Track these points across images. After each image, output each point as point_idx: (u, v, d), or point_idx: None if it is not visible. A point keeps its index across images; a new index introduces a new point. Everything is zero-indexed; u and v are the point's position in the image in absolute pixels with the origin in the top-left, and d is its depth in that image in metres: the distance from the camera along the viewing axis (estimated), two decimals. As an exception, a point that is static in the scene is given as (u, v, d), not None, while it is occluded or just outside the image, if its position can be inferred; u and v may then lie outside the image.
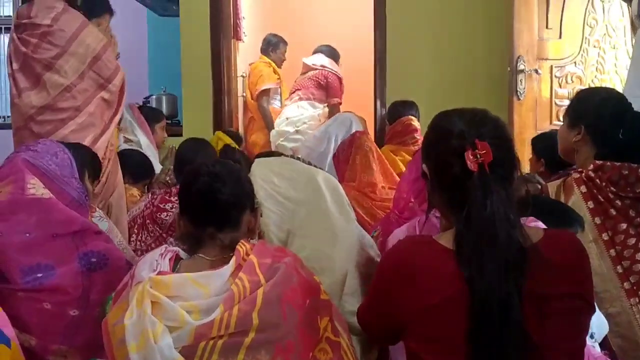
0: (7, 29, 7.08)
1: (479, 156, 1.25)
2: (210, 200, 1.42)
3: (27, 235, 1.71)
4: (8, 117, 7.03)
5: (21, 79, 2.77)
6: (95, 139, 2.79)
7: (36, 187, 1.76)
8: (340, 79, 5.27)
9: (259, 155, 3.37)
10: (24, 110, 2.76)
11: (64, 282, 1.70)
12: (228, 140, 3.94)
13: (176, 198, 2.61)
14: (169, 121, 4.80)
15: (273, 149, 4.95)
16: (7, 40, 7.39)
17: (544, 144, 2.78)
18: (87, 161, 2.08)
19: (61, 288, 1.70)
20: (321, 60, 5.29)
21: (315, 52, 5.44)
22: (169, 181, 3.30)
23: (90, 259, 1.74)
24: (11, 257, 1.68)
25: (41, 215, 1.73)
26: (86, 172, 2.02)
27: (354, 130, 3.48)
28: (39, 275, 1.68)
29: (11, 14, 6.96)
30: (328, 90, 5.18)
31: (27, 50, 2.76)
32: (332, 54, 5.43)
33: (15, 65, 2.79)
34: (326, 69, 5.22)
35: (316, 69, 5.22)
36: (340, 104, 5.26)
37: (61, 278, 1.70)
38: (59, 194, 1.80)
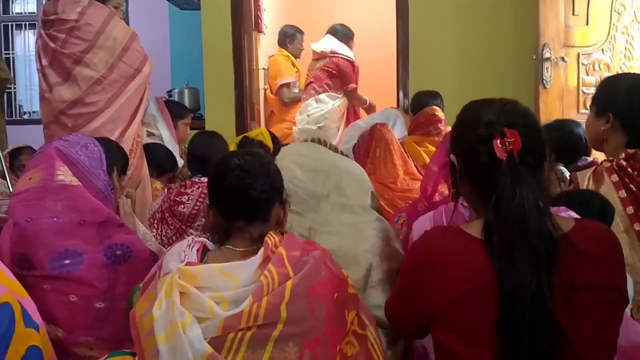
0: (32, 25, 7.17)
1: (507, 144, 1.24)
2: (242, 195, 1.41)
3: (55, 219, 1.74)
4: (34, 112, 7.14)
5: (51, 74, 2.81)
6: (123, 130, 2.82)
7: (65, 174, 1.80)
8: (351, 63, 5.10)
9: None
10: (55, 105, 2.80)
11: (90, 275, 1.73)
12: (269, 137, 3.91)
13: (192, 190, 2.63)
14: (192, 115, 4.82)
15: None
16: (31, 36, 7.54)
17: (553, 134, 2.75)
18: (118, 158, 2.09)
19: (87, 281, 1.72)
20: (330, 44, 5.11)
21: (328, 32, 5.26)
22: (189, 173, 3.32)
23: (115, 251, 1.77)
24: (40, 241, 1.72)
25: (68, 201, 1.77)
26: (115, 168, 2.04)
27: (392, 126, 3.45)
28: (67, 262, 1.72)
29: (35, 10, 7.05)
30: (341, 78, 5.05)
31: (56, 45, 2.80)
32: (345, 33, 5.23)
33: (44, 61, 2.83)
34: (336, 55, 5.06)
35: (326, 57, 5.07)
36: (356, 89, 5.13)
37: (87, 270, 1.73)
38: (86, 184, 1.83)
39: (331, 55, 5.07)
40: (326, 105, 5.02)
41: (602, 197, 1.81)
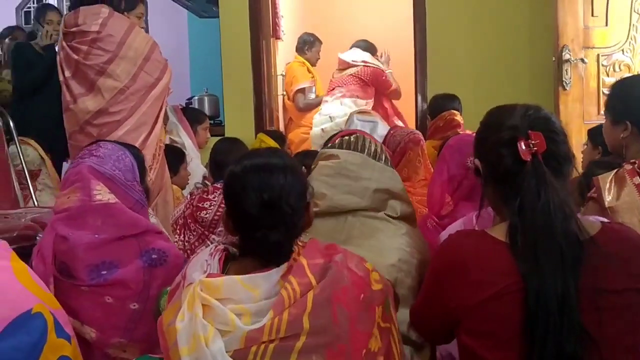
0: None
1: (532, 146, 1.24)
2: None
3: (96, 236, 1.79)
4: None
5: (75, 86, 2.86)
6: (146, 136, 2.86)
7: (102, 193, 1.84)
8: (383, 72, 5.17)
9: (297, 155, 3.36)
10: (80, 115, 2.85)
11: (126, 277, 1.78)
12: (270, 142, 3.94)
13: (214, 196, 2.66)
14: (212, 121, 4.85)
15: (316, 147, 4.90)
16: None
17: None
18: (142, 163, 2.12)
19: (123, 282, 1.78)
20: (361, 55, 5.19)
21: (354, 46, 5.34)
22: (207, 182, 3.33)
23: (151, 255, 1.82)
24: (79, 255, 1.77)
25: (108, 219, 1.82)
26: (145, 173, 2.08)
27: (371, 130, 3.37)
28: (104, 272, 1.77)
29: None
30: (379, 86, 5.11)
31: (79, 57, 2.85)
32: (369, 48, 5.33)
33: (67, 73, 2.88)
34: (368, 64, 5.12)
35: (357, 66, 5.12)
36: (397, 89, 5.20)
37: (123, 273, 1.78)
38: (123, 197, 1.87)
39: (363, 64, 5.11)
40: (350, 110, 4.99)
41: None
